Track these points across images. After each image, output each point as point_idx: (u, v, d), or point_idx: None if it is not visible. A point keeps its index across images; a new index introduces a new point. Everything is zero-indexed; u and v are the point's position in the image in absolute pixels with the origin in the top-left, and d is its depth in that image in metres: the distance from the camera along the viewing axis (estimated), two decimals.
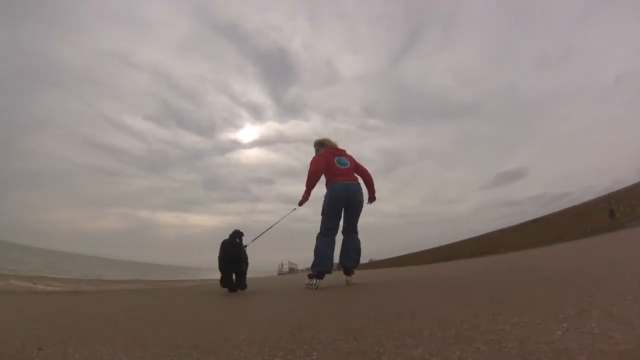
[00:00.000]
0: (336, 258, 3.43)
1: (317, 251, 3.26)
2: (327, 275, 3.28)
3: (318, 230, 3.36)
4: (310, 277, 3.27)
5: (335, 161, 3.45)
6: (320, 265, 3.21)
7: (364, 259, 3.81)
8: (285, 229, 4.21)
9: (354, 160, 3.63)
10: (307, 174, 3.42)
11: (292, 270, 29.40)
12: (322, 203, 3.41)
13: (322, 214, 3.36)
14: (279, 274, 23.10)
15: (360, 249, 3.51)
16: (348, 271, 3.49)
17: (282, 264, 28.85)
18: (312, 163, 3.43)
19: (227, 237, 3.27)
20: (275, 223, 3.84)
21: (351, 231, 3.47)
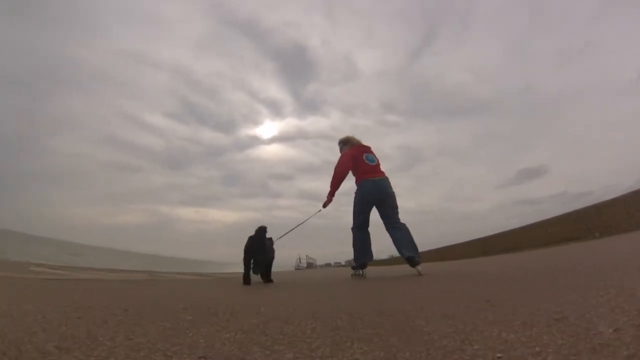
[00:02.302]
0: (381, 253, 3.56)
1: (356, 245, 3.51)
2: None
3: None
4: (354, 268, 3.62)
5: (364, 158, 3.54)
6: (362, 258, 3.52)
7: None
8: (304, 224, 4.09)
9: (377, 157, 3.69)
10: (330, 171, 3.57)
11: (310, 265, 27.92)
12: (347, 200, 3.64)
13: (354, 210, 3.51)
14: (296, 269, 21.68)
15: (411, 235, 3.30)
16: (413, 262, 3.21)
17: (299, 259, 27.44)
18: (338, 164, 3.54)
19: (252, 233, 3.33)
20: (302, 223, 3.95)
21: (394, 222, 3.38)
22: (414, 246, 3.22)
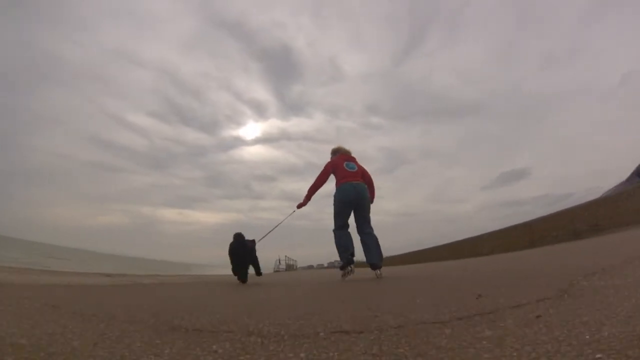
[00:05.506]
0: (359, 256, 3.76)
1: (339, 244, 3.70)
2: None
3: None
4: (342, 268, 3.72)
5: (344, 165, 3.83)
6: (347, 254, 3.65)
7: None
8: (284, 225, 4.38)
9: (361, 167, 3.98)
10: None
11: (290, 267, 28.68)
12: (329, 202, 3.81)
13: (334, 212, 3.75)
14: (275, 271, 22.71)
15: (379, 243, 3.67)
16: (375, 267, 3.64)
17: (279, 260, 28.00)
18: (319, 173, 3.89)
19: (231, 240, 3.93)
20: (279, 223, 4.21)
21: (365, 227, 3.71)
22: (379, 255, 3.62)
